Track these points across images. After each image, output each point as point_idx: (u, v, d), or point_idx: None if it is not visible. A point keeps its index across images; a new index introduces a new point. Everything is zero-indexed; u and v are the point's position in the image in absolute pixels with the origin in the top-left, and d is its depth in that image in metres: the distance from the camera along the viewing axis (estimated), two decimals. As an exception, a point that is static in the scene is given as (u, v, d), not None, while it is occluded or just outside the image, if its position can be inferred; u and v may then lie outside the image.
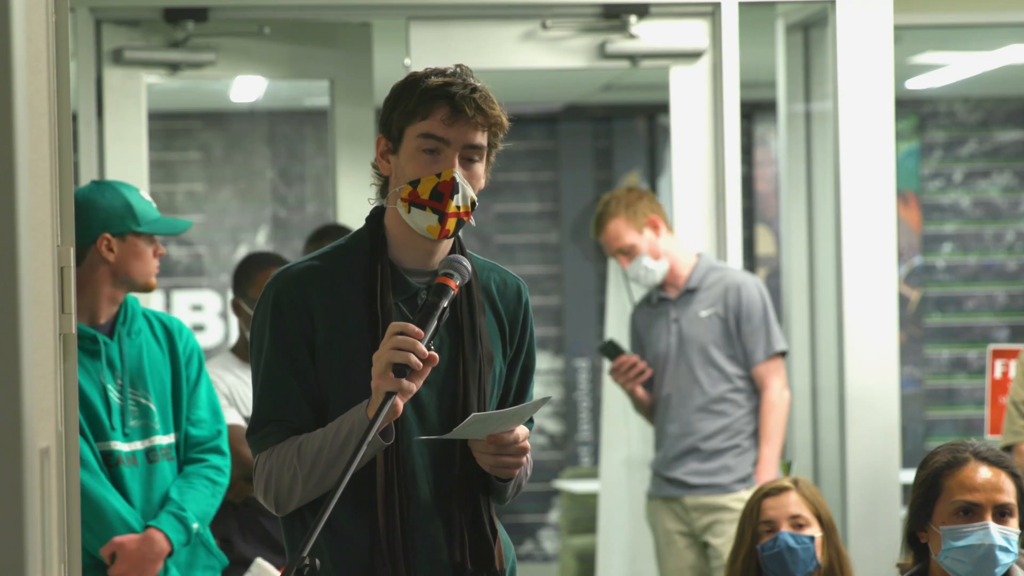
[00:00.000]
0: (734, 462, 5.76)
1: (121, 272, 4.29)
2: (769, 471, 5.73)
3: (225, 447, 4.44)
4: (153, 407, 4.29)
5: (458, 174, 2.99)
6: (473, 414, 2.91)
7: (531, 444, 3.02)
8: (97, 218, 4.28)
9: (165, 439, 4.32)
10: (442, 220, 3.00)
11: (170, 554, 4.27)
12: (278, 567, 4.58)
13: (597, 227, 5.91)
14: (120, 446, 4.24)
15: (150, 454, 4.30)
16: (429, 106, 2.99)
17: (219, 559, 4.42)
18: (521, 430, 2.99)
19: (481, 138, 3.01)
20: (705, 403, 5.76)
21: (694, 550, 5.82)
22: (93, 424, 4.20)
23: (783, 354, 5.82)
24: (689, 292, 5.85)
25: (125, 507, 4.23)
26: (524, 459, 3.02)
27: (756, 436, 5.79)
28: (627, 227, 5.83)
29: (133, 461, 4.26)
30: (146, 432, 4.28)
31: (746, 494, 5.67)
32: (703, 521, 5.77)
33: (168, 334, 4.38)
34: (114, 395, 4.24)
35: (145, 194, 4.41)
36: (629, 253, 5.84)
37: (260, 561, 4.32)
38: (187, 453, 4.37)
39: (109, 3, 6.06)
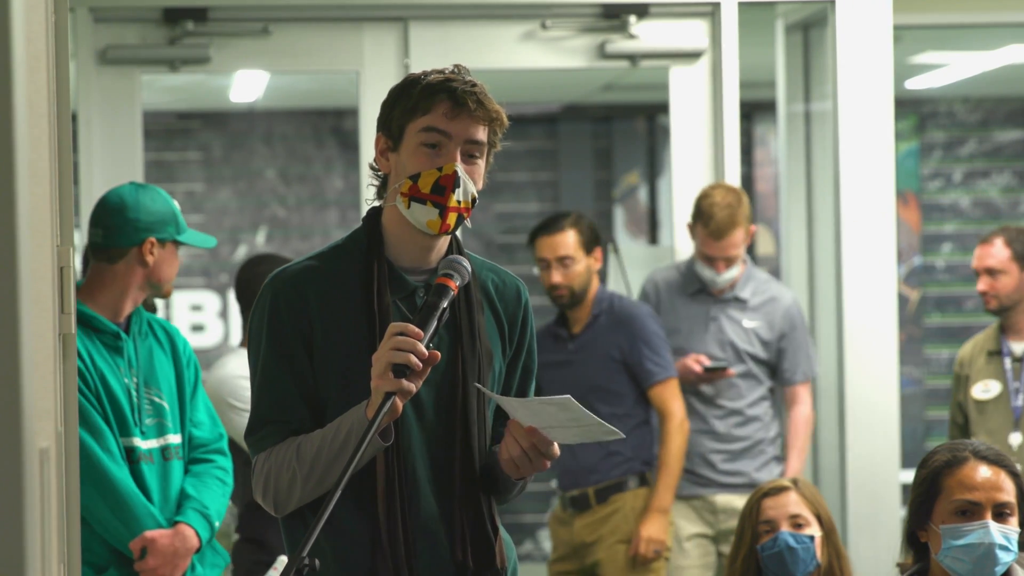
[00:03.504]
0: (760, 466, 5.78)
1: (154, 276, 4.34)
2: None
3: (227, 449, 4.48)
4: (167, 406, 4.32)
5: (460, 168, 2.99)
6: (567, 396, 2.88)
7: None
8: (147, 221, 4.32)
9: (176, 438, 4.35)
10: (443, 214, 2.99)
11: (198, 550, 4.30)
12: None
13: (719, 229, 5.72)
14: (140, 443, 4.26)
15: (165, 452, 4.33)
16: (430, 101, 2.99)
17: (223, 557, 4.44)
18: (556, 447, 2.99)
19: (482, 134, 3.02)
20: (737, 408, 5.78)
21: (701, 550, 5.80)
22: (119, 419, 4.23)
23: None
24: (738, 300, 5.84)
25: (148, 503, 4.26)
26: (541, 468, 3.02)
27: (775, 446, 5.84)
28: (744, 237, 5.79)
29: (150, 459, 4.29)
30: (161, 430, 4.32)
31: None
32: (728, 524, 5.75)
33: (169, 338, 4.44)
34: (132, 393, 4.27)
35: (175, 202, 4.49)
36: (732, 261, 5.79)
37: (284, 558, 4.33)
38: (191, 453, 4.40)
39: (109, 3, 6.06)
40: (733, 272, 5.81)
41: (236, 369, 5.05)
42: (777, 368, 5.85)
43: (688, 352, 5.82)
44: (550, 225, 5.76)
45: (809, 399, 5.89)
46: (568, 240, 5.70)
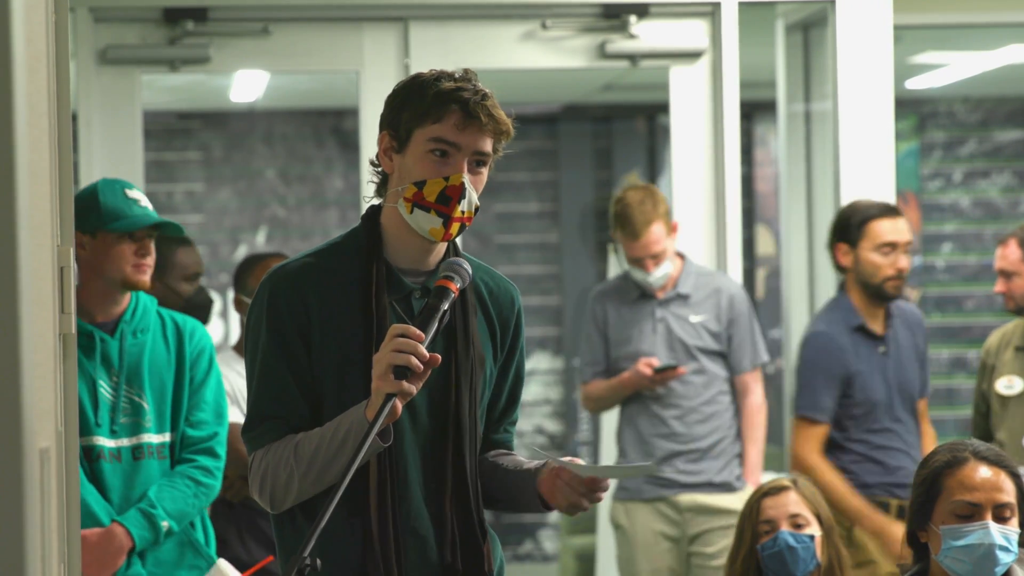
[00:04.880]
0: (722, 463, 5.77)
1: (97, 269, 4.27)
2: (757, 473, 5.78)
3: (219, 449, 4.42)
4: (146, 405, 4.28)
5: (466, 179, 2.99)
6: (596, 466, 2.97)
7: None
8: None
9: (157, 438, 4.31)
10: (446, 224, 2.99)
11: (132, 550, 4.25)
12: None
13: (634, 229, 5.72)
14: (104, 442, 4.23)
15: (136, 451, 4.29)
16: (442, 110, 2.98)
17: (207, 559, 4.40)
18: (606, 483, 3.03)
19: (489, 145, 3.02)
20: (694, 406, 5.76)
21: (674, 554, 5.78)
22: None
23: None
24: (680, 297, 5.83)
25: (97, 501, 4.22)
26: (587, 507, 3.04)
27: (737, 444, 5.82)
28: (664, 231, 5.74)
29: (117, 457, 4.25)
30: (135, 430, 4.28)
31: (738, 497, 5.70)
32: (695, 525, 5.75)
33: (179, 335, 4.37)
34: (106, 391, 4.24)
35: (136, 192, 4.37)
36: (659, 258, 5.75)
37: (220, 563, 4.30)
38: (181, 453, 4.36)
39: (109, 3, 6.06)
40: (665, 269, 5.77)
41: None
42: (727, 358, 5.84)
43: (640, 357, 5.80)
44: (893, 209, 5.63)
45: (759, 387, 5.86)
46: (909, 226, 5.66)
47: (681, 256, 5.91)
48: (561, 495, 3.00)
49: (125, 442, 4.27)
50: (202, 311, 5.27)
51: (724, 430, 5.79)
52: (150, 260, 4.34)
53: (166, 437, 4.34)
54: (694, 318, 5.81)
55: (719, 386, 5.81)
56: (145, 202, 4.36)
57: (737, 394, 5.86)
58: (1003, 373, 5.82)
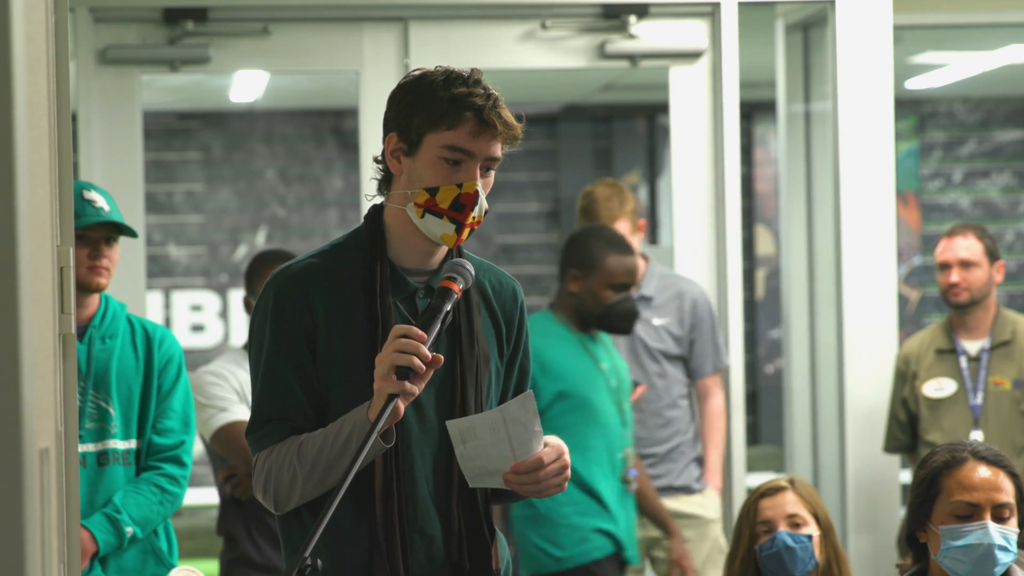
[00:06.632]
0: (681, 466, 5.75)
1: None
2: (718, 476, 5.78)
3: (185, 458, 4.40)
4: (112, 411, 4.27)
5: (479, 186, 2.99)
6: (449, 422, 2.87)
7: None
8: None
9: (123, 444, 4.29)
10: (459, 230, 2.99)
11: (96, 554, 4.24)
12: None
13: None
14: None
15: (101, 457, 4.27)
16: (456, 117, 2.95)
17: (168, 568, 4.37)
18: (551, 445, 2.95)
19: (500, 150, 3.01)
20: (655, 410, 5.74)
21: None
22: None
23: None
24: (643, 299, 5.80)
25: None
26: (568, 473, 2.97)
27: (695, 448, 5.79)
28: (629, 229, 5.70)
29: (81, 463, 4.23)
30: (101, 435, 4.26)
31: (698, 499, 5.70)
32: (656, 528, 5.65)
33: (148, 342, 4.35)
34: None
35: (94, 194, 4.33)
36: None
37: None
38: (147, 460, 4.35)
39: (109, 3, 6.06)
40: None
41: (211, 366, 5.07)
42: (687, 362, 5.83)
43: None
44: None
45: (720, 391, 5.85)
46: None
47: (645, 258, 5.87)
48: (522, 489, 2.96)
49: (91, 447, 4.26)
50: (620, 320, 5.22)
51: (683, 434, 5.76)
52: (106, 262, 4.29)
53: (132, 444, 4.32)
54: (657, 321, 5.78)
55: (679, 390, 5.78)
56: (101, 203, 4.31)
57: (698, 398, 5.84)
58: (928, 377, 5.82)
